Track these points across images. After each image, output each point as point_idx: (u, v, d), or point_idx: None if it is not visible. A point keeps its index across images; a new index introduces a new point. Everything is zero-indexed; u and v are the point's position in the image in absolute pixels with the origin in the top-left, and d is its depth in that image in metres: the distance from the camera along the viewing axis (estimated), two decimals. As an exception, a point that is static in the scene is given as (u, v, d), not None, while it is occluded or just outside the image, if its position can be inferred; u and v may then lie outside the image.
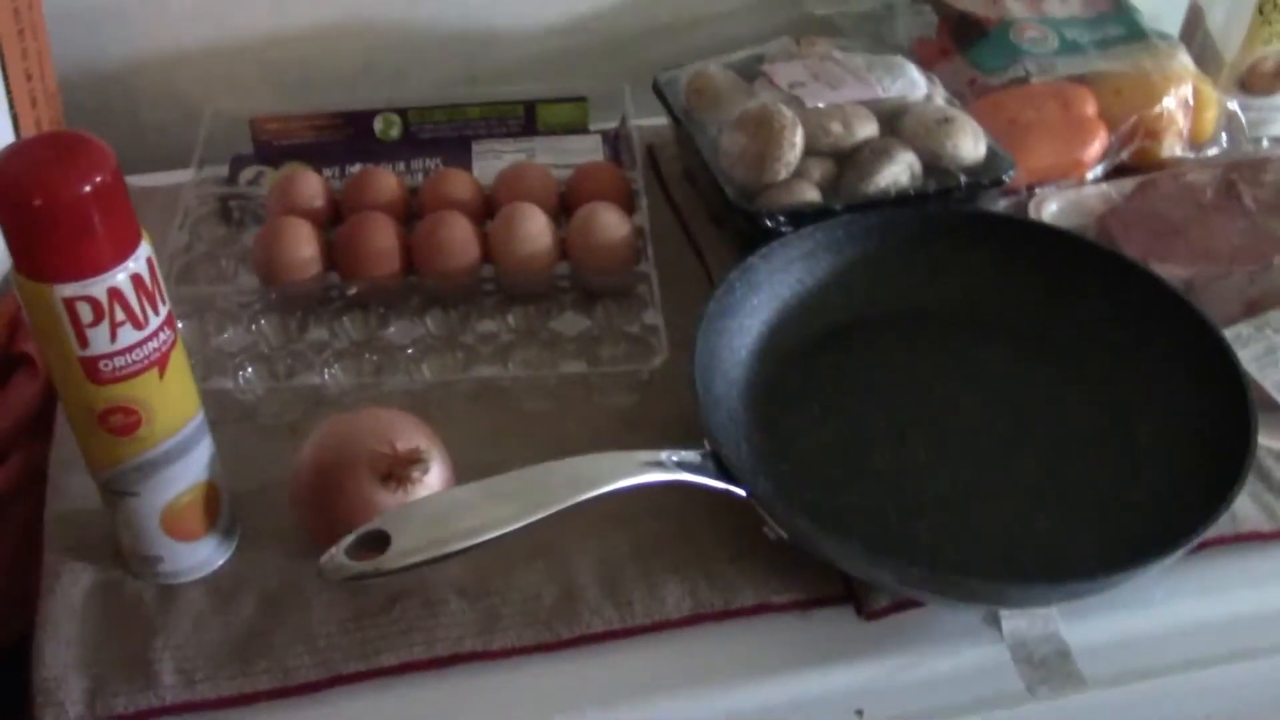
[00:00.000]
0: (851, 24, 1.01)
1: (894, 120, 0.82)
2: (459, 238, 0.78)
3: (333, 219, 0.83)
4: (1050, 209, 0.85)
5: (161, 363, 0.56)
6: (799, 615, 0.64)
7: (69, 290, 0.52)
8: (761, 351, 0.74)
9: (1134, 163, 0.90)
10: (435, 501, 0.60)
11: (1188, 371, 0.70)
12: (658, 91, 0.89)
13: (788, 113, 0.79)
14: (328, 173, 0.89)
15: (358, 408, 0.67)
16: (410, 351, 0.75)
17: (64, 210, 0.50)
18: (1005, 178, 0.80)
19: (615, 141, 0.94)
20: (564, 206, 0.84)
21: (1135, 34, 0.94)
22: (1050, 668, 0.61)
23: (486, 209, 0.83)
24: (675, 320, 0.75)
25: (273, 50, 1.01)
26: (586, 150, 0.93)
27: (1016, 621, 0.63)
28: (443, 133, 0.95)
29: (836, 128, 0.79)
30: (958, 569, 0.61)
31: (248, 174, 0.91)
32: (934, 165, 0.80)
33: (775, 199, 0.77)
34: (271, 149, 0.93)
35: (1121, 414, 0.71)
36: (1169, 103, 0.89)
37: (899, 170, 0.78)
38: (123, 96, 1.00)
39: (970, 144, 0.80)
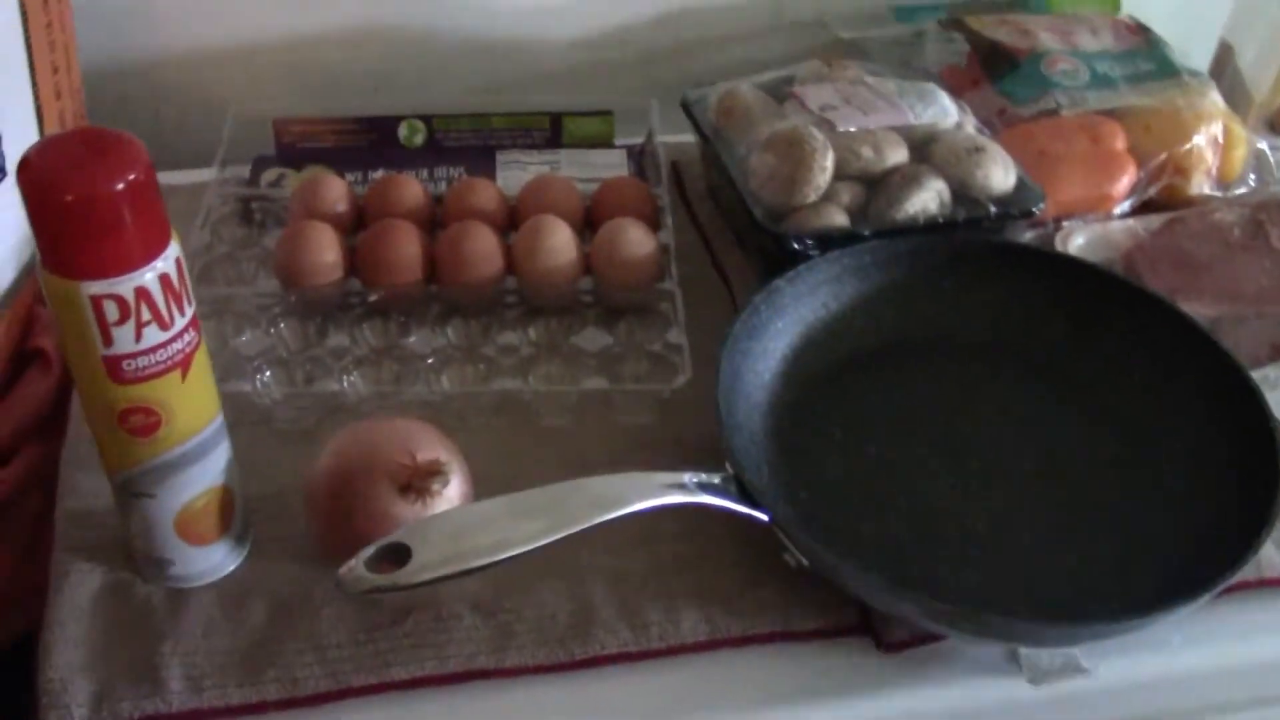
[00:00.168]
0: (880, 49, 1.01)
1: (924, 147, 0.81)
2: (483, 249, 0.77)
3: (355, 224, 0.82)
4: (1077, 242, 0.84)
5: (184, 364, 0.56)
6: (817, 645, 0.63)
7: (96, 288, 0.51)
8: (785, 375, 0.73)
9: (1161, 199, 0.89)
10: (457, 516, 0.59)
11: (1214, 413, 0.70)
12: (686, 109, 0.89)
13: (819, 135, 0.78)
14: (350, 177, 0.88)
15: (378, 416, 0.67)
16: (430, 361, 0.74)
17: (95, 207, 0.49)
18: (1035, 209, 0.79)
19: (640, 157, 0.94)
20: (588, 221, 0.84)
21: (1167, 70, 0.94)
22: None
23: (511, 220, 0.83)
24: (695, 340, 0.74)
25: (297, 52, 1.00)
26: (611, 165, 0.93)
27: (1037, 659, 0.62)
28: (467, 141, 0.94)
29: (867, 152, 0.79)
30: (980, 605, 0.60)
31: (269, 176, 0.91)
32: (963, 194, 0.79)
33: (803, 222, 0.77)
34: (294, 151, 0.92)
35: (1147, 453, 0.70)
36: (1199, 140, 0.89)
37: (928, 198, 0.78)
38: (145, 93, 0.99)
39: (1000, 174, 0.79)
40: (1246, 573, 0.65)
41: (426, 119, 0.94)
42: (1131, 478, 0.70)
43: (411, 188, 0.83)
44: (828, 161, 0.77)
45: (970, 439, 0.72)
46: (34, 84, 0.79)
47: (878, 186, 0.79)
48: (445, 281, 0.78)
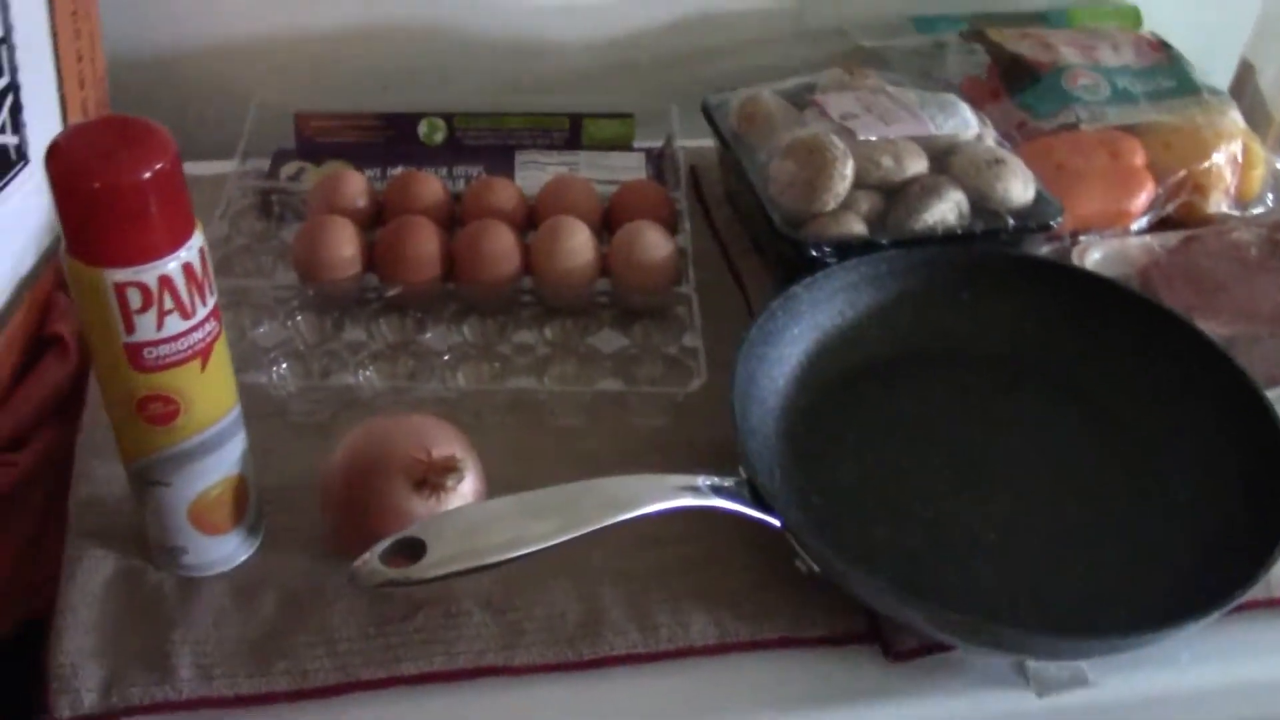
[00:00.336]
0: (901, 59, 1.01)
1: (944, 158, 0.82)
2: (501, 248, 0.77)
3: (374, 220, 0.82)
4: (1093, 257, 0.84)
5: (205, 354, 0.56)
6: (825, 651, 0.63)
7: (120, 275, 0.51)
8: (799, 381, 0.73)
9: (1179, 216, 0.89)
10: (471, 512, 0.59)
11: (1228, 431, 0.69)
12: (707, 114, 0.89)
13: (840, 144, 0.78)
14: (369, 173, 0.88)
15: (393, 412, 0.67)
16: (446, 358, 0.74)
17: (122, 195, 0.50)
18: (1053, 223, 0.79)
19: (659, 160, 0.94)
20: (606, 223, 0.84)
21: (1187, 87, 0.94)
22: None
23: (529, 220, 0.83)
24: (709, 344, 0.74)
25: (320, 46, 1.01)
26: (630, 167, 0.93)
27: (1045, 672, 0.62)
28: (486, 140, 0.94)
29: (887, 162, 0.79)
30: (990, 616, 0.60)
31: (289, 169, 0.91)
32: (982, 206, 0.80)
33: (822, 229, 0.77)
34: (314, 146, 0.92)
35: (1159, 469, 0.70)
36: (1218, 158, 0.89)
37: (947, 209, 0.78)
38: (167, 84, 0.99)
39: (1020, 187, 0.80)
40: (1256, 591, 0.65)
41: (447, 117, 0.94)
42: (1143, 493, 0.70)
43: (431, 185, 0.83)
44: (847, 170, 0.78)
45: (982, 450, 0.72)
46: (58, 72, 0.79)
47: (897, 196, 0.79)
48: (463, 279, 0.78)
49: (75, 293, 0.53)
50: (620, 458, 0.71)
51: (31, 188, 0.75)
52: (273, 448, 0.68)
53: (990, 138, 0.85)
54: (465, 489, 0.62)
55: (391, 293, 0.77)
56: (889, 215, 0.79)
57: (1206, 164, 0.88)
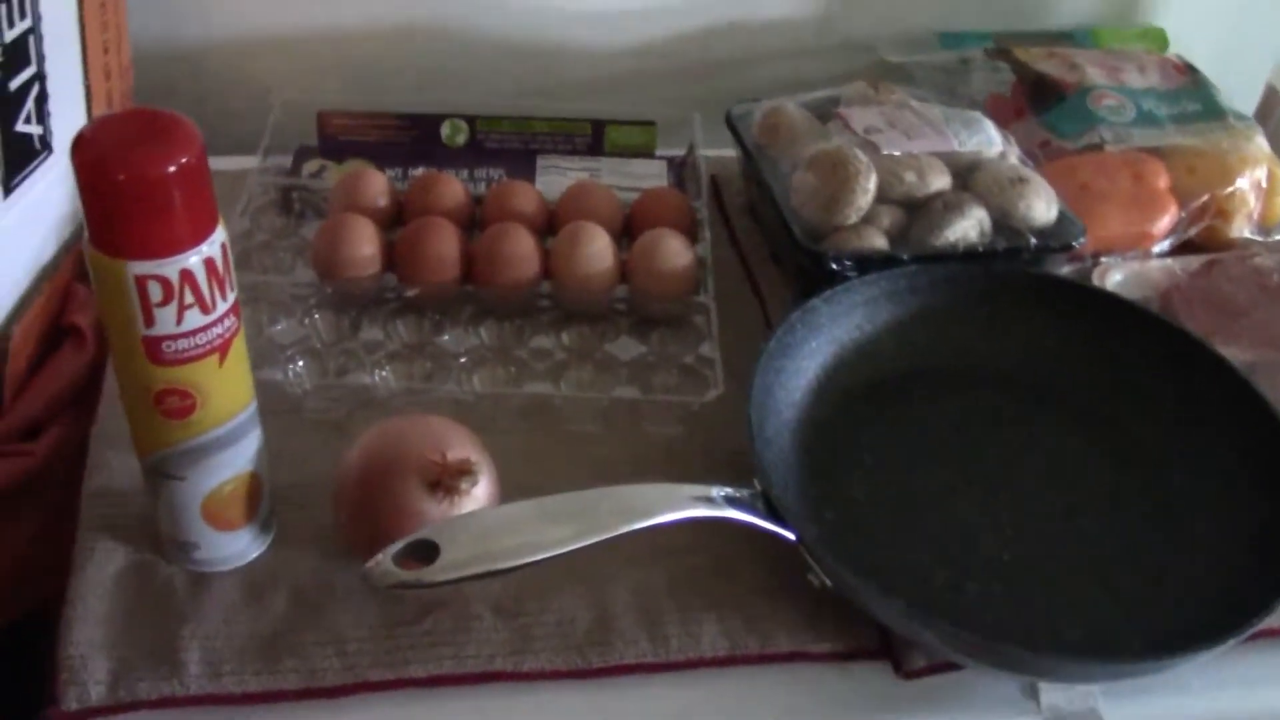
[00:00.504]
0: (925, 75, 1.01)
1: (967, 175, 0.81)
2: (521, 252, 0.77)
3: (394, 220, 0.82)
4: (1114, 278, 0.84)
5: (223, 349, 0.56)
6: (836, 666, 0.63)
7: (141, 268, 0.51)
8: (816, 394, 0.73)
9: (1201, 240, 0.89)
10: (485, 517, 0.59)
11: (1247, 457, 0.69)
12: (730, 124, 0.88)
13: (863, 157, 0.78)
14: (390, 173, 0.88)
15: (409, 413, 0.67)
16: (463, 361, 0.74)
17: (146, 188, 0.50)
18: (1075, 244, 0.79)
19: (680, 169, 0.94)
20: (626, 229, 0.84)
21: (1213, 111, 0.93)
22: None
23: (549, 224, 0.83)
24: (726, 354, 0.74)
25: (345, 45, 1.01)
26: (651, 175, 0.93)
27: (1055, 695, 0.62)
28: (508, 144, 0.94)
29: (910, 177, 0.79)
30: (1003, 637, 0.59)
31: (310, 166, 0.91)
32: (1004, 224, 0.79)
33: (843, 242, 0.77)
34: (336, 144, 0.92)
35: (1175, 494, 0.70)
36: (1242, 183, 0.88)
37: (969, 226, 0.78)
38: (191, 77, 1.00)
39: (1043, 206, 0.79)
40: (1270, 620, 0.64)
41: (469, 119, 0.94)
42: (1158, 517, 0.69)
43: (453, 186, 0.83)
44: (870, 184, 0.77)
45: (998, 469, 0.72)
46: (84, 63, 0.79)
47: (919, 212, 0.79)
48: (481, 282, 0.78)
49: (96, 284, 0.53)
50: (634, 465, 0.71)
51: (54, 177, 0.75)
52: (287, 445, 0.67)
53: (1014, 156, 0.84)
54: (479, 492, 0.62)
55: (410, 293, 0.77)
56: (910, 231, 0.79)
57: (1230, 189, 0.88)
